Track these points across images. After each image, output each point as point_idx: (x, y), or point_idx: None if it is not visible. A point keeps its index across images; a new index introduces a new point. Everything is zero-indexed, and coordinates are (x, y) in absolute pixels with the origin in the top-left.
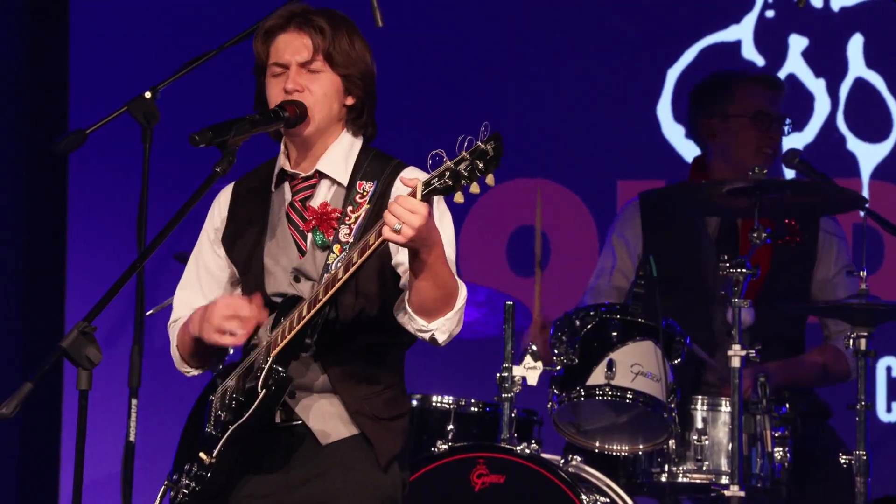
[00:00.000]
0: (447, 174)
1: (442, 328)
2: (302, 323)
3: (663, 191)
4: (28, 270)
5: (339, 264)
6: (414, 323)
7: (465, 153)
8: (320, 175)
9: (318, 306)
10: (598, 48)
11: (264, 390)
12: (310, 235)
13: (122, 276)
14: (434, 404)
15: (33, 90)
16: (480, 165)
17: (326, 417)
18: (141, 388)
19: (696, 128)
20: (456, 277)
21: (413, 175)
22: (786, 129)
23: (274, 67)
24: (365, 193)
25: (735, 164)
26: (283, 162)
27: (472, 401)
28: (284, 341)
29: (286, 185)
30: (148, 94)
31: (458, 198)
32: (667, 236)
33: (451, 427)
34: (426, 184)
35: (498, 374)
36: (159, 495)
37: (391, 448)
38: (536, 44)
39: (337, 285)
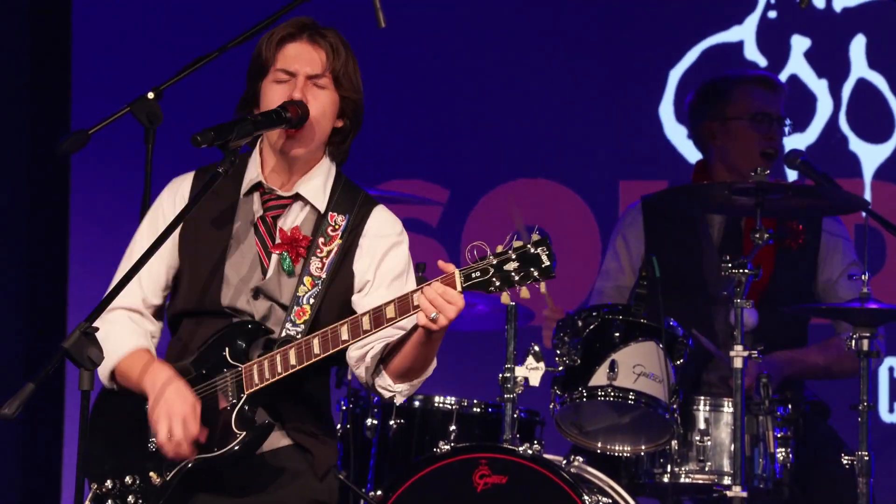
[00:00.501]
0: (492, 271)
1: (405, 392)
2: (290, 372)
3: (666, 193)
4: (30, 271)
5: (313, 300)
6: (381, 380)
7: (511, 253)
8: (297, 197)
9: (313, 360)
10: (600, 49)
11: (244, 433)
12: (275, 257)
13: (124, 276)
14: (436, 405)
15: (36, 91)
16: (535, 273)
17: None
18: None
19: (697, 131)
20: None
21: (380, 218)
22: (786, 129)
23: (279, 73)
24: (337, 227)
25: (736, 166)
26: (257, 172)
27: (475, 401)
28: (265, 383)
29: (256, 196)
30: (150, 95)
31: (506, 298)
32: (669, 238)
33: (453, 427)
34: (466, 276)
35: (500, 375)
36: (88, 500)
37: (328, 458)
38: (538, 44)
39: (340, 346)
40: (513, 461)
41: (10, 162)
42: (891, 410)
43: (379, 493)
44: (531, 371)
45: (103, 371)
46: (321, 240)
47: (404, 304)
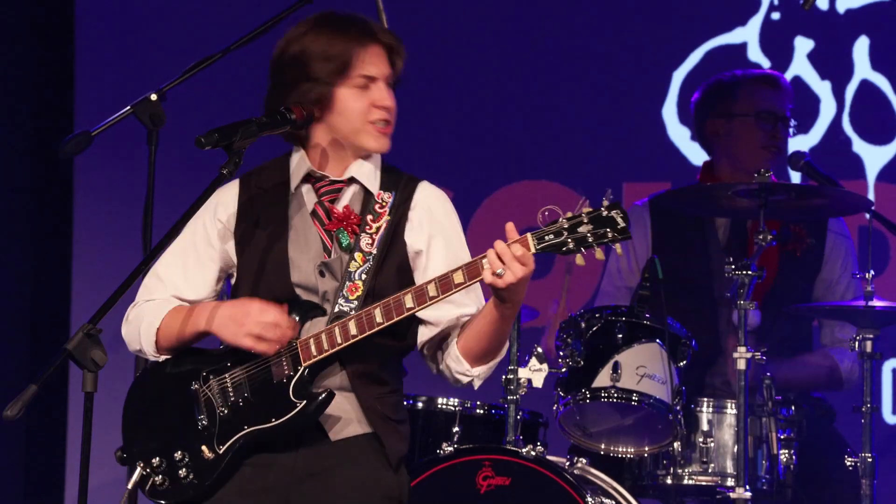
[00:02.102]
0: (566, 234)
1: (482, 375)
2: (351, 342)
3: (671, 194)
4: (33, 272)
5: (365, 276)
6: (458, 366)
7: (583, 215)
8: (351, 181)
9: (375, 329)
10: (603, 50)
11: (304, 402)
12: (335, 235)
13: (127, 278)
14: (439, 406)
15: (39, 92)
16: (610, 234)
17: (340, 412)
18: None
19: (701, 130)
20: None
21: (429, 190)
22: (791, 130)
23: (360, 79)
24: (384, 203)
25: (740, 165)
26: (307, 164)
27: (478, 403)
28: (324, 355)
29: (308, 187)
30: (154, 97)
31: (580, 260)
32: (676, 239)
33: (456, 429)
34: (539, 238)
35: (503, 377)
36: (134, 478)
37: (400, 449)
38: (541, 46)
39: (405, 314)
40: (516, 462)
41: (14, 163)
42: (894, 412)
43: None
44: (534, 373)
45: (148, 344)
46: (370, 217)
47: (474, 270)
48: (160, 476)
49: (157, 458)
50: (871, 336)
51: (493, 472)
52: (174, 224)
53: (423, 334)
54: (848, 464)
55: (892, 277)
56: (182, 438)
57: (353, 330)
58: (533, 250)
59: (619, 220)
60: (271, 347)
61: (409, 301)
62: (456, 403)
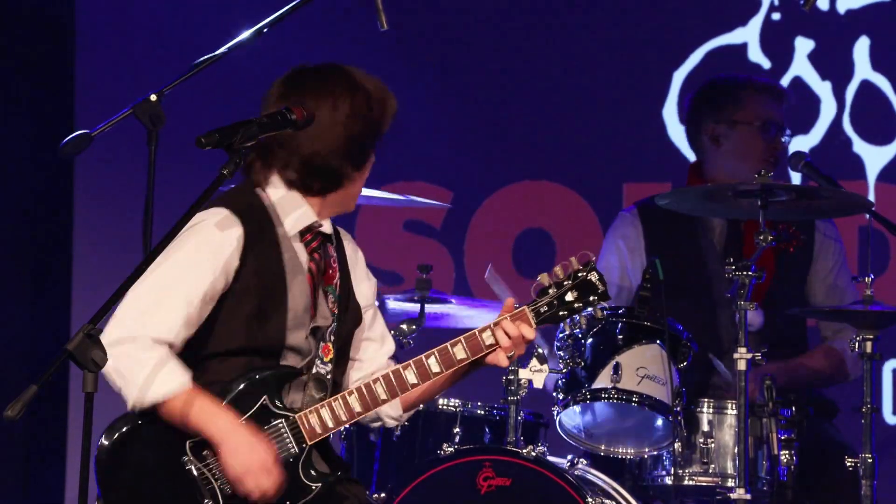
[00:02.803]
0: (557, 304)
1: (405, 419)
2: (356, 419)
3: (670, 195)
4: (34, 273)
5: (333, 336)
6: (393, 411)
7: (565, 284)
8: (329, 234)
9: (378, 406)
10: (604, 50)
11: (319, 484)
12: (320, 292)
13: (127, 278)
14: (440, 407)
15: (39, 93)
16: (591, 299)
17: None
18: None
19: (698, 132)
20: None
21: (344, 233)
22: (786, 139)
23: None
24: (333, 259)
25: (737, 171)
26: (312, 217)
27: (479, 403)
28: (329, 433)
29: (297, 235)
30: (153, 97)
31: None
32: (670, 243)
33: (457, 430)
34: (536, 312)
35: (504, 377)
36: None
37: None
38: (542, 46)
39: (410, 390)
40: (517, 463)
41: (14, 164)
42: (895, 413)
43: (383, 495)
44: (535, 373)
45: (141, 403)
46: (329, 271)
47: (475, 345)
48: None
49: None
50: (871, 337)
51: (493, 472)
52: (174, 225)
53: (356, 373)
54: (848, 464)
55: (892, 277)
56: None
57: (357, 407)
58: (534, 324)
59: (598, 284)
60: (254, 498)
61: (411, 377)
62: (457, 404)
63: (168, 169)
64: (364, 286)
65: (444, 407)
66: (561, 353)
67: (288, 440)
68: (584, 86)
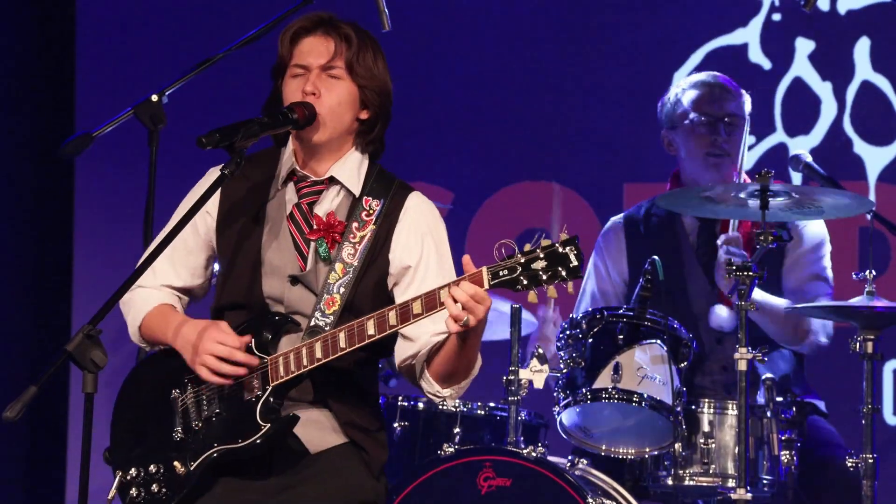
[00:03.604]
0: (520, 270)
1: (454, 395)
2: (315, 365)
3: (671, 195)
4: (34, 273)
5: (343, 289)
6: (429, 387)
7: (539, 251)
8: (331, 181)
9: (338, 354)
10: (605, 51)
11: (268, 426)
12: (313, 244)
13: (128, 278)
14: (441, 407)
15: (40, 93)
16: (562, 273)
17: (316, 427)
18: None
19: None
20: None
21: (419, 201)
22: (745, 125)
23: (295, 68)
24: (371, 212)
25: (691, 172)
26: (292, 162)
27: (479, 404)
28: (290, 376)
29: (291, 185)
30: (154, 98)
31: (533, 297)
32: (650, 250)
33: (457, 430)
34: (494, 274)
35: (504, 378)
36: (114, 487)
37: (381, 456)
38: (542, 47)
39: (367, 341)
40: (517, 464)
41: (15, 164)
42: (895, 413)
43: None
44: (535, 374)
45: (135, 336)
46: (354, 224)
47: (431, 301)
48: (136, 489)
49: (135, 470)
50: (872, 337)
51: (494, 472)
52: (175, 225)
53: (402, 350)
54: (849, 465)
55: (893, 278)
56: (158, 451)
57: (318, 353)
58: (486, 286)
59: (573, 258)
60: (224, 381)
61: (370, 328)
62: (457, 404)
63: (169, 169)
64: (403, 252)
65: (445, 407)
66: (561, 353)
67: (255, 381)
68: (584, 86)
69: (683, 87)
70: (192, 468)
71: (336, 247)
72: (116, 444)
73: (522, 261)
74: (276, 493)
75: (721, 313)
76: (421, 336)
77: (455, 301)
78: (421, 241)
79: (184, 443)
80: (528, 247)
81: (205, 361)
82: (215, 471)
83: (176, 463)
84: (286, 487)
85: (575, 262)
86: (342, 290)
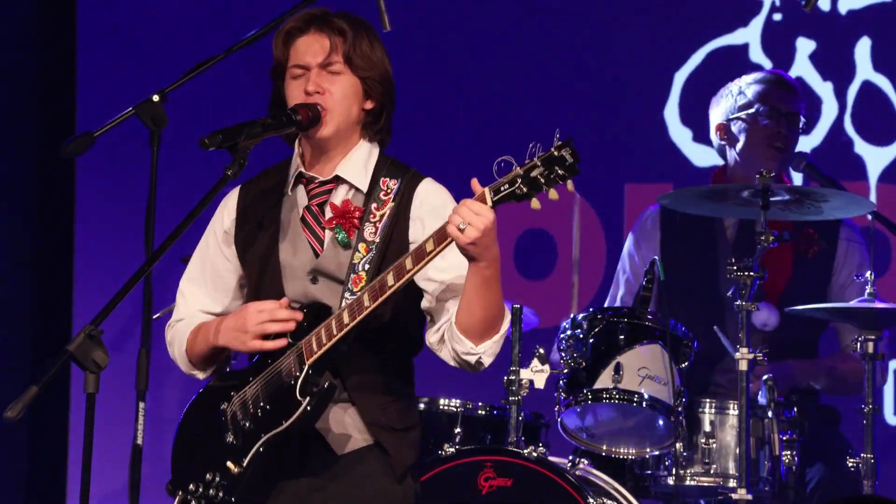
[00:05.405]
0: (519, 181)
1: (489, 351)
2: (345, 330)
3: (675, 195)
4: (35, 273)
5: (368, 265)
6: (460, 345)
7: (536, 160)
8: (339, 180)
9: (364, 313)
10: (605, 51)
11: (308, 398)
12: (329, 233)
13: (129, 279)
14: (441, 407)
15: (41, 93)
16: (560, 172)
17: (342, 426)
18: (148, 392)
19: (714, 134)
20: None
21: (430, 187)
22: (801, 125)
23: (294, 69)
24: (389, 190)
25: (747, 164)
26: (298, 164)
27: (480, 404)
28: (323, 349)
29: (301, 188)
30: (156, 98)
31: (535, 204)
32: (685, 241)
33: (458, 430)
34: (496, 189)
35: (505, 378)
36: None
37: (406, 458)
38: (543, 47)
39: (388, 292)
40: (518, 464)
41: (16, 164)
42: None
43: None
44: (536, 374)
45: (186, 366)
46: (374, 205)
47: (441, 235)
48: (195, 501)
49: (193, 485)
50: (873, 337)
51: (494, 473)
52: (177, 226)
53: (430, 328)
54: (850, 465)
55: (894, 279)
56: (213, 460)
57: (346, 319)
58: (490, 203)
59: (568, 156)
60: (279, 341)
61: (390, 279)
62: (458, 404)
63: (170, 170)
64: (421, 230)
65: (446, 407)
66: (562, 353)
67: (293, 365)
68: (585, 86)
69: (748, 81)
70: (244, 464)
71: (355, 232)
72: (176, 471)
73: (521, 172)
74: (306, 496)
75: (766, 312)
76: (442, 309)
77: (458, 215)
78: (437, 217)
79: (235, 445)
80: (527, 162)
81: (254, 331)
82: (269, 464)
83: (229, 464)
84: (315, 490)
85: (570, 160)
86: (367, 266)
